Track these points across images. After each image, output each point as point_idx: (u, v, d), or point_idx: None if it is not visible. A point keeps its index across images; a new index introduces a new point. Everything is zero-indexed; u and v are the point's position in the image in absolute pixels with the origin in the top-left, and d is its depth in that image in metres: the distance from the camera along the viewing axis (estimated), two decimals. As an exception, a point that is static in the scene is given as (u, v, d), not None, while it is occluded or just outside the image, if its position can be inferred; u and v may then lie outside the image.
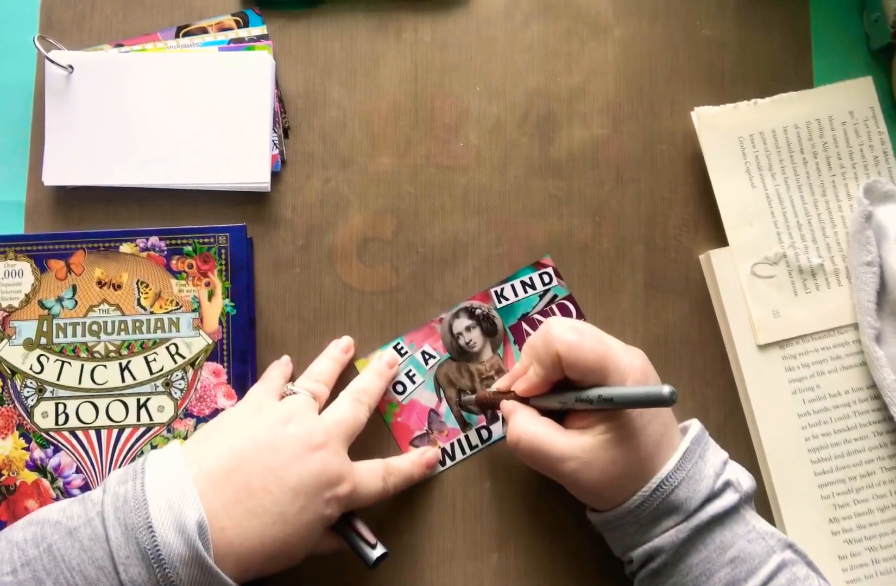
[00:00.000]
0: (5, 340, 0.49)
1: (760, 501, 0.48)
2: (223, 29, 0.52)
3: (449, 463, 0.50)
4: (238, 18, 0.53)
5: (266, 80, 0.51)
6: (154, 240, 0.49)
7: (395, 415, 0.50)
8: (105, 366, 0.48)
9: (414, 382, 0.51)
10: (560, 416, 0.44)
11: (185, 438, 0.48)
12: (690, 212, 0.52)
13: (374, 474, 0.45)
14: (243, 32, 0.52)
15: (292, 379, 0.49)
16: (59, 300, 0.49)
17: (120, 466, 0.48)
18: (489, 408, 0.49)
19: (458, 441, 0.50)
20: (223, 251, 0.49)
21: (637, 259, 0.52)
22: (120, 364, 0.48)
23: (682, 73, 0.53)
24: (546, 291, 0.52)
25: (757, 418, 0.50)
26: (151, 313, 0.49)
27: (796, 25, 0.54)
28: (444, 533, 0.50)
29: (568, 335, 0.42)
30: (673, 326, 0.51)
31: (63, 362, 0.48)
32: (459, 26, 0.53)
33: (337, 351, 0.49)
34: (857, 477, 0.49)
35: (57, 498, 0.48)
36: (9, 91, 0.52)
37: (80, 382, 0.48)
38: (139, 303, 0.49)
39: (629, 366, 0.42)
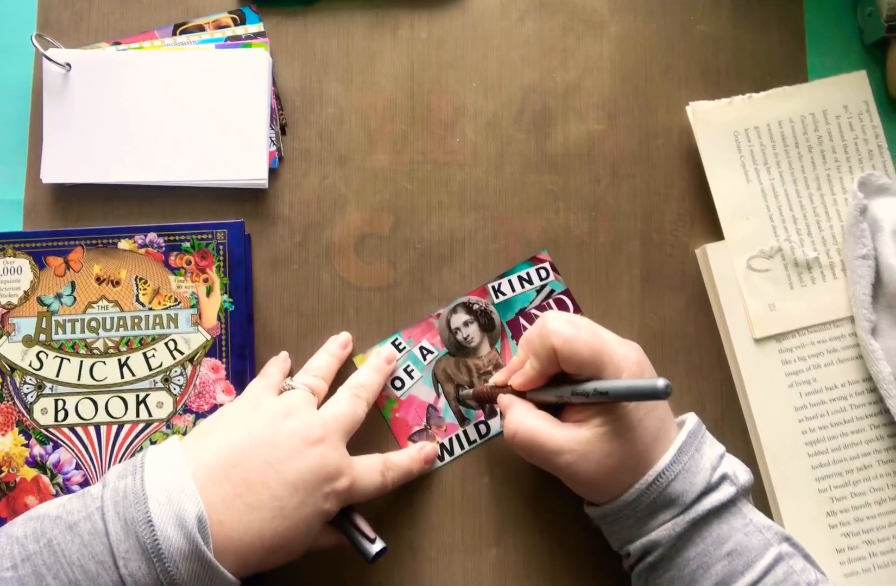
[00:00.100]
0: (4, 337, 0.49)
1: (758, 494, 0.48)
2: (220, 26, 0.53)
3: (447, 458, 0.50)
4: (235, 16, 0.53)
5: (263, 78, 0.51)
6: (152, 236, 0.49)
7: (393, 410, 0.51)
8: (104, 362, 0.49)
9: (412, 378, 0.51)
10: (557, 410, 0.44)
11: (185, 434, 0.48)
12: (686, 206, 0.52)
13: (372, 469, 0.45)
14: (240, 30, 0.52)
15: (291, 374, 0.49)
16: (58, 297, 0.49)
17: (119, 462, 0.48)
18: (487, 402, 0.50)
19: (457, 436, 0.50)
20: (221, 247, 0.49)
21: (633, 254, 0.52)
22: (119, 360, 0.49)
23: (677, 69, 0.53)
24: (543, 286, 0.52)
25: (754, 412, 0.50)
26: (150, 309, 0.49)
27: (790, 20, 0.54)
28: (442, 527, 0.50)
29: (564, 329, 0.42)
30: (669, 320, 0.52)
31: (62, 359, 0.49)
32: (455, 23, 0.53)
33: (335, 346, 0.49)
34: (854, 470, 0.49)
35: (57, 495, 0.48)
36: (7, 89, 0.52)
37: (79, 379, 0.49)
38: (138, 300, 0.49)
39: (625, 359, 0.42)
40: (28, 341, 0.49)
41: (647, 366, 0.43)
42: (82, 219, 0.51)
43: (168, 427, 0.49)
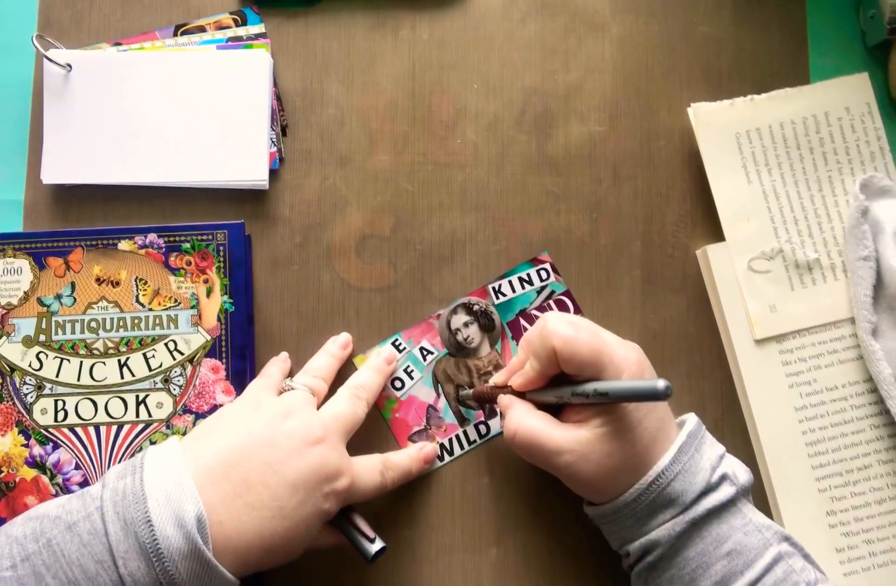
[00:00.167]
0: (4, 337, 0.49)
1: (758, 494, 0.48)
2: (221, 27, 0.53)
3: (447, 458, 0.50)
4: (236, 17, 0.53)
5: (264, 79, 0.51)
6: (152, 237, 0.49)
7: (393, 410, 0.51)
8: (104, 362, 0.49)
9: (412, 378, 0.51)
10: (556, 410, 0.44)
11: (184, 434, 0.48)
12: (687, 208, 0.52)
13: (372, 469, 0.45)
14: (241, 31, 0.52)
15: (291, 375, 0.49)
16: (58, 297, 0.49)
17: (119, 462, 0.48)
18: (487, 402, 0.50)
19: (457, 436, 0.50)
20: (221, 248, 0.49)
21: (634, 255, 0.52)
22: (119, 361, 0.49)
23: (679, 70, 0.53)
24: (543, 287, 0.52)
25: (754, 412, 0.50)
26: (150, 310, 0.49)
27: (793, 22, 0.54)
28: (442, 527, 0.50)
29: (564, 329, 0.42)
30: (670, 322, 0.52)
31: (62, 359, 0.49)
32: (457, 24, 0.53)
33: (335, 347, 0.49)
34: (854, 470, 0.49)
35: (56, 495, 0.48)
36: (7, 90, 0.52)
37: (78, 379, 0.49)
38: (138, 300, 0.49)
39: (625, 360, 0.42)
40: (28, 342, 0.49)
41: (647, 366, 0.43)
42: (82, 220, 0.51)
43: (168, 427, 0.49)
